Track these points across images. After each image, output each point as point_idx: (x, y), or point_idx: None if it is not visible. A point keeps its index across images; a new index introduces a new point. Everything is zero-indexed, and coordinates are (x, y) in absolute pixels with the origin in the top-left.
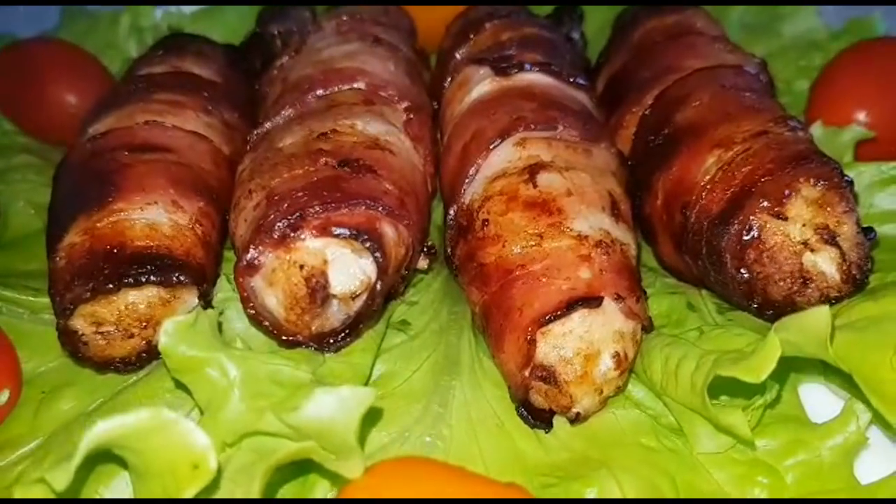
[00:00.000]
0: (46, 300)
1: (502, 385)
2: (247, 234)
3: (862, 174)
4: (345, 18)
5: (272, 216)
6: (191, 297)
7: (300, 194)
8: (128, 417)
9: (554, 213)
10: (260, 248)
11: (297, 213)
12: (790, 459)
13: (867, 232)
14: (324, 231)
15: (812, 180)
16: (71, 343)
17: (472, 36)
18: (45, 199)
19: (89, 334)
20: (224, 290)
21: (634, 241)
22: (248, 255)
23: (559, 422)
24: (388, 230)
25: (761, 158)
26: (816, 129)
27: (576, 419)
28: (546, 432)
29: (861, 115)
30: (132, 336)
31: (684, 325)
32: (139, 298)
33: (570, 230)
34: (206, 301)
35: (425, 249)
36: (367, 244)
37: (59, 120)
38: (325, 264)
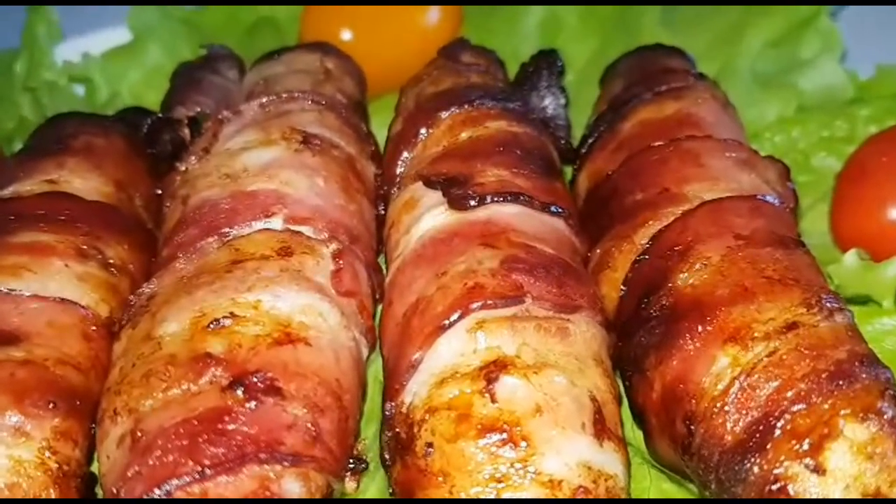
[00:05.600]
0: None
1: None
2: (108, 480)
3: None
4: (272, 98)
5: (132, 478)
6: None
7: (170, 445)
8: None
9: (518, 444)
10: None
11: (162, 487)
12: None
13: None
14: None
15: (859, 415)
16: None
17: (424, 131)
18: None
19: None
20: None
21: (624, 463)
22: None
23: None
24: (291, 487)
25: (791, 372)
26: (851, 259)
27: None
28: None
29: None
30: None
31: None
32: None
33: (540, 473)
34: None
35: (352, 464)
36: None
37: None
38: None
